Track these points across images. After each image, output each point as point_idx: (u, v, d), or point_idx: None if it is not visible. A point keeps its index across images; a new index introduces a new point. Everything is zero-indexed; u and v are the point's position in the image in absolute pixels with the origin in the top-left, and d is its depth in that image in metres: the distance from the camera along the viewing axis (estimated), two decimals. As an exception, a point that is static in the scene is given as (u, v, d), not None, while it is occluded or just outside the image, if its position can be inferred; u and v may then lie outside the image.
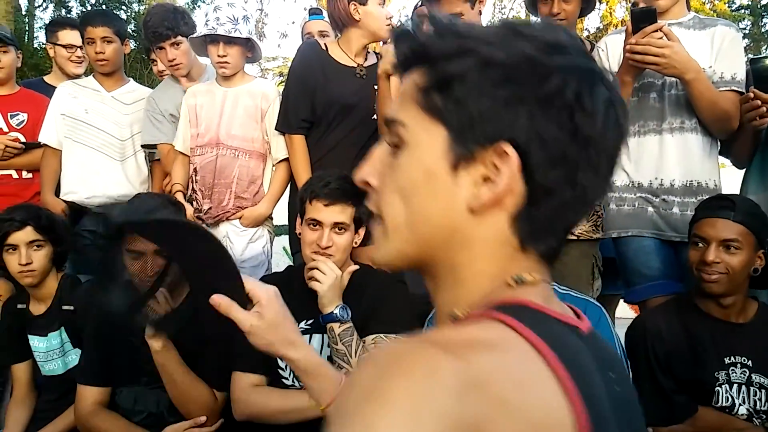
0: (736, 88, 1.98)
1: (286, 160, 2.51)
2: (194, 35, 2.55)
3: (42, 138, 2.71)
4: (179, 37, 2.62)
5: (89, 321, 1.92)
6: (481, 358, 0.42)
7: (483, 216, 0.54)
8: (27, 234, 1.97)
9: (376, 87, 2.44)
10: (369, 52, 2.54)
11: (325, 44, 2.50)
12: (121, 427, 1.78)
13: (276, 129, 2.49)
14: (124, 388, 1.84)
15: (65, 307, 2.05)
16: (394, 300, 1.76)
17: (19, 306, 2.11)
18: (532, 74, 0.52)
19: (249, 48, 2.54)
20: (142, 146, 2.77)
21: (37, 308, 2.08)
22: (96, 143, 2.68)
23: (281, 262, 2.87)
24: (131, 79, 2.94)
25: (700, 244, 1.67)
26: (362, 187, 0.62)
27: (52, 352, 2.08)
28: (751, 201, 1.82)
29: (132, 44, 2.79)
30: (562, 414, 0.44)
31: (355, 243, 1.80)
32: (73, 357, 2.06)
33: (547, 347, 0.46)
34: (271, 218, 2.64)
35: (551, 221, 0.55)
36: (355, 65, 2.45)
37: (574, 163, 0.53)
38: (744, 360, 1.65)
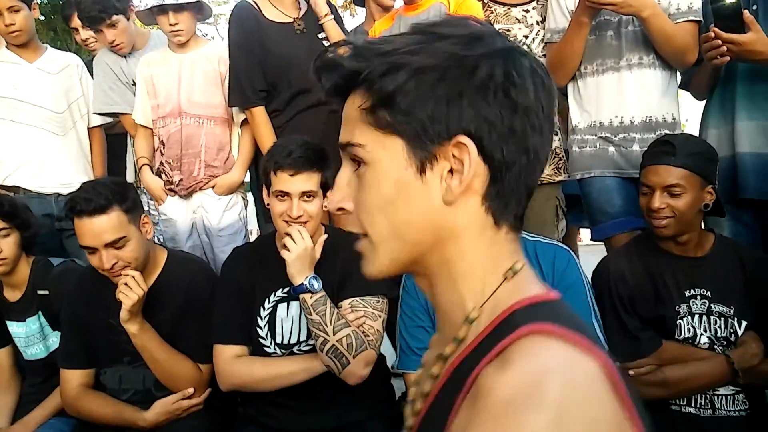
0: (693, 18, 1.98)
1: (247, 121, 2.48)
2: (141, 8, 2.45)
3: None
4: (114, 17, 2.52)
5: (64, 305, 1.93)
6: (559, 398, 0.46)
7: (458, 205, 0.59)
8: None
9: (320, 36, 2.39)
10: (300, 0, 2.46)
11: (256, 3, 2.41)
12: (110, 406, 1.81)
13: (230, 105, 2.44)
14: (108, 369, 1.86)
15: (40, 292, 2.03)
16: None
17: None
18: (462, 69, 0.57)
19: (198, 9, 2.46)
20: (98, 114, 2.70)
21: (12, 294, 2.07)
22: (32, 119, 2.57)
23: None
24: (47, 45, 2.79)
25: (647, 191, 1.71)
26: (339, 214, 0.66)
27: (33, 336, 2.08)
28: (694, 140, 1.84)
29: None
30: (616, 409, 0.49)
31: (325, 207, 1.78)
32: (54, 340, 2.06)
33: (586, 341, 0.51)
34: (244, 184, 2.63)
35: (516, 189, 0.61)
36: (291, 20, 2.39)
37: (522, 132, 0.59)
38: (703, 291, 1.72)
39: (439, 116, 0.57)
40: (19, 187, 2.54)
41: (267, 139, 2.36)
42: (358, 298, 1.69)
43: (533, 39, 2.23)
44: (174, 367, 1.78)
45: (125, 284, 1.67)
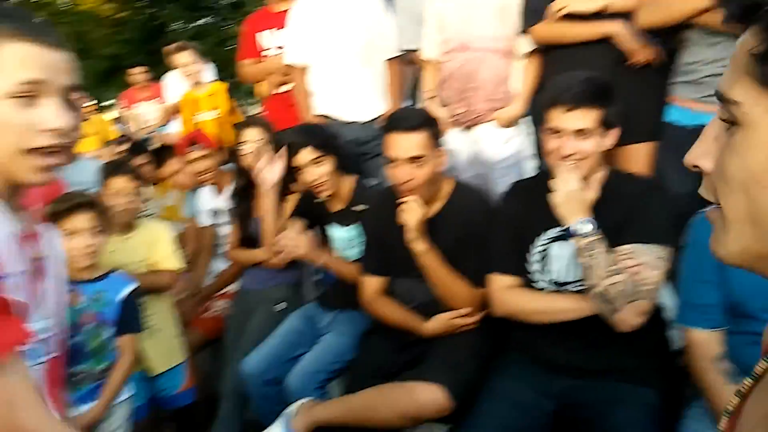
0: None
1: (533, 53, 2.46)
2: None
3: (288, 58, 2.93)
4: None
5: (367, 219, 2.23)
6: None
7: None
8: (307, 154, 2.26)
9: None
10: None
11: None
12: (398, 313, 2.08)
13: (523, 30, 2.45)
14: (399, 280, 2.13)
15: (358, 207, 2.33)
16: (652, 208, 1.67)
17: (315, 201, 2.46)
18: None
19: None
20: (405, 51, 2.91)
21: (335, 206, 2.41)
22: (339, 54, 2.85)
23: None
24: None
25: None
26: (694, 171, 0.55)
27: (351, 240, 2.40)
28: None
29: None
30: None
31: (607, 146, 1.70)
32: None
33: None
34: (523, 117, 2.64)
35: None
36: None
37: None
38: None
39: None
40: (328, 116, 2.93)
41: (562, 32, 2.32)
42: (640, 245, 1.61)
43: None
44: (452, 287, 1.96)
45: (404, 209, 1.89)
